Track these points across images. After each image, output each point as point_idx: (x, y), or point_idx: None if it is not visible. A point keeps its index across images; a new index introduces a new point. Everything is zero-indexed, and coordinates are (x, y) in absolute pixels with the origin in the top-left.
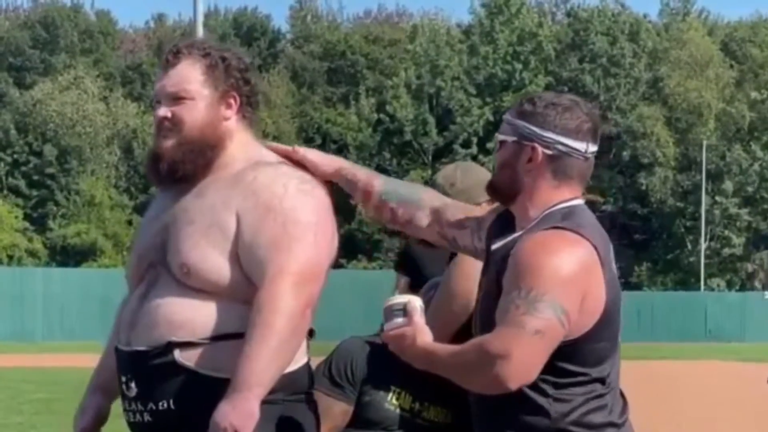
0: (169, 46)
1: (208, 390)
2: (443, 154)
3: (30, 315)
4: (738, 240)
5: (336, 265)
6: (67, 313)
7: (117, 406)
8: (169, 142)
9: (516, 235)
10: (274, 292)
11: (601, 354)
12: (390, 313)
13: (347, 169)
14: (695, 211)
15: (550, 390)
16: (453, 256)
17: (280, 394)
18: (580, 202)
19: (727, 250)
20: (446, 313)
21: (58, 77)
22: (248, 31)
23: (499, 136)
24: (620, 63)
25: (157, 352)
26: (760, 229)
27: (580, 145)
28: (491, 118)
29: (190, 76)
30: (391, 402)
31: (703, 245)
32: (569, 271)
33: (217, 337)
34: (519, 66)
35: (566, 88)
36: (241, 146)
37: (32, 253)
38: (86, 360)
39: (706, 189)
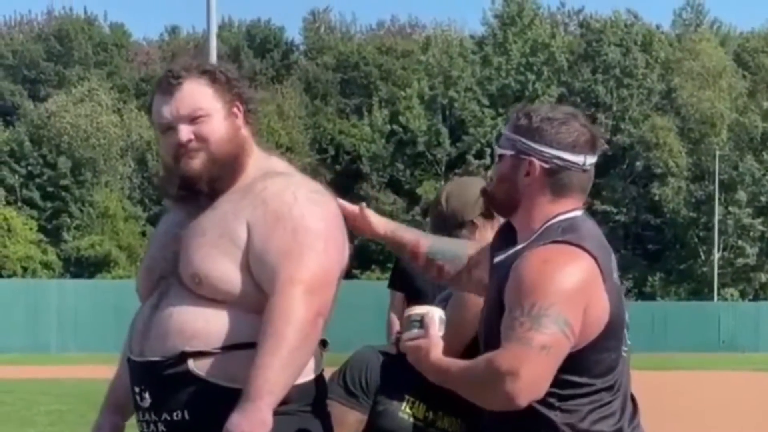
0: (165, 72)
1: (222, 400)
2: (456, 164)
3: (44, 327)
4: (751, 250)
5: (349, 275)
6: (81, 325)
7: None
8: (198, 162)
9: (518, 248)
10: (285, 300)
11: (606, 364)
12: (408, 323)
13: (396, 233)
14: (708, 221)
15: (556, 402)
16: None
17: (294, 405)
18: (579, 213)
19: (740, 260)
20: (459, 323)
21: (72, 89)
22: (262, 42)
23: (498, 150)
24: (633, 73)
25: (170, 362)
26: None
27: (577, 159)
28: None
29: (199, 93)
30: (404, 411)
31: (717, 255)
32: (571, 284)
33: (230, 347)
34: (532, 77)
35: (579, 99)
36: (252, 156)
37: (46, 265)
38: (100, 371)
39: (719, 199)
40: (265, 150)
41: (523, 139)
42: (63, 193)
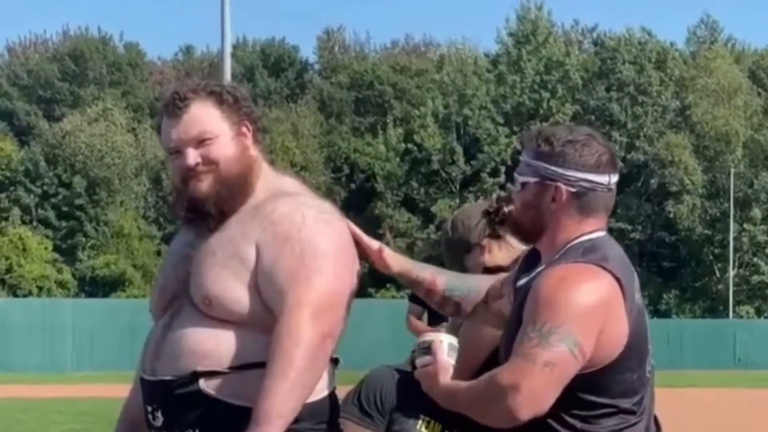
0: (170, 94)
1: (234, 419)
2: (471, 183)
3: (60, 346)
4: (766, 267)
5: (364, 294)
6: (96, 344)
7: None
8: (206, 184)
9: (540, 269)
10: (292, 323)
11: (628, 385)
12: (419, 351)
13: (412, 271)
14: (723, 239)
15: (578, 424)
16: None
17: (306, 423)
18: (602, 233)
19: (755, 278)
20: (474, 342)
21: (87, 109)
22: (276, 61)
23: (520, 178)
24: (647, 91)
25: (182, 382)
26: None
27: (603, 179)
28: (519, 147)
29: (206, 116)
30: (420, 430)
31: (732, 272)
32: (587, 304)
33: (241, 366)
34: (546, 95)
35: (593, 117)
36: (262, 176)
37: (62, 284)
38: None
39: (734, 216)
40: (276, 169)
41: (548, 165)
42: (78, 213)
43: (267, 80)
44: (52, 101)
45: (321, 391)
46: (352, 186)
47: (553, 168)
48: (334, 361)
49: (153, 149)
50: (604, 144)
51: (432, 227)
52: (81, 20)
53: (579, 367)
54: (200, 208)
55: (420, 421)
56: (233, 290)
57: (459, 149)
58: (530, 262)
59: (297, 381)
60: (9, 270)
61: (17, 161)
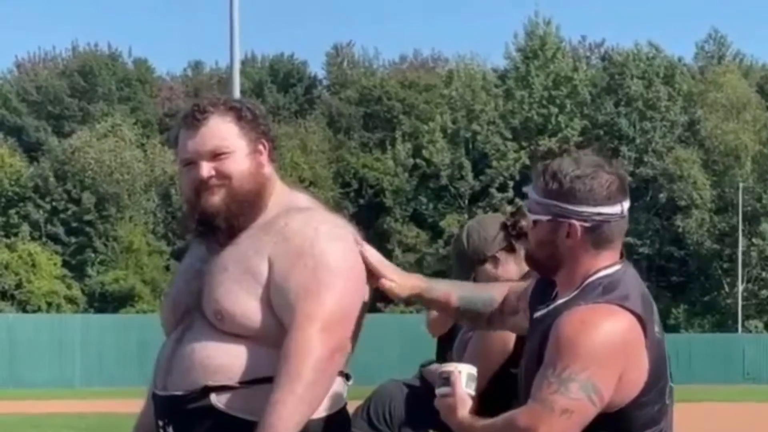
0: (190, 107)
1: None
2: (479, 198)
3: (69, 361)
4: None
5: (373, 309)
6: (105, 359)
7: None
8: (218, 198)
9: (558, 303)
10: (301, 338)
11: (650, 417)
12: (439, 380)
13: (424, 290)
14: (732, 253)
15: None
16: None
17: None
18: (619, 267)
19: (764, 292)
20: (483, 358)
21: (96, 125)
22: (285, 77)
23: (532, 216)
24: (656, 106)
25: (193, 396)
26: None
27: (615, 209)
28: (527, 162)
29: (224, 130)
30: None
31: (740, 287)
32: (608, 348)
33: (252, 381)
34: (555, 110)
35: (602, 132)
36: (275, 192)
37: (71, 300)
38: (125, 406)
39: (743, 231)
40: (289, 185)
41: (558, 203)
42: (87, 228)
43: (276, 96)
44: (62, 117)
45: (333, 406)
46: (361, 201)
47: (563, 205)
48: (346, 377)
49: (162, 165)
50: (612, 172)
51: (440, 242)
52: (90, 36)
53: (597, 412)
54: (210, 221)
55: None
56: (245, 305)
57: (467, 164)
58: (546, 290)
59: (304, 395)
60: (18, 286)
61: (26, 177)
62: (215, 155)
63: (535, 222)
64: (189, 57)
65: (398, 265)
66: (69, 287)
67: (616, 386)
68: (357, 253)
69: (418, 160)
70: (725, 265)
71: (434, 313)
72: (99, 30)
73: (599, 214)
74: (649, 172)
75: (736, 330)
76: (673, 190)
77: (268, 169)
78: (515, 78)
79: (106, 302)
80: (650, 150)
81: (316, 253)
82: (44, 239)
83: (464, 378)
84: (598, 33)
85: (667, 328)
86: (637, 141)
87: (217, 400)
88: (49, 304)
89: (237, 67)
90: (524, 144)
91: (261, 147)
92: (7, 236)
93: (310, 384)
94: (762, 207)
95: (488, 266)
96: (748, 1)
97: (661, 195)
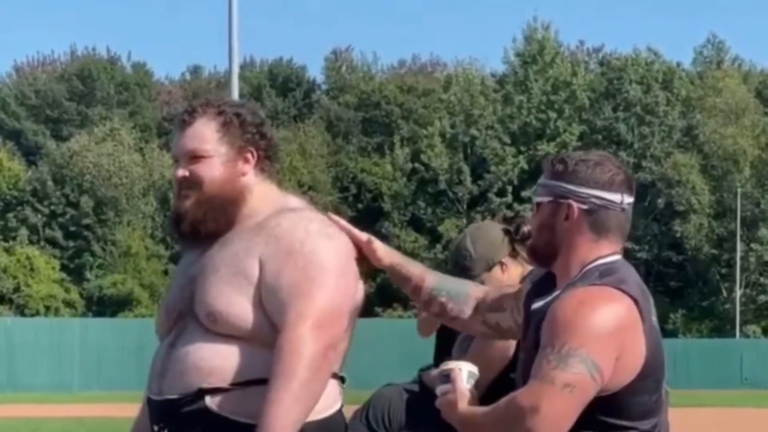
0: (186, 106)
1: None
2: (478, 202)
3: (67, 365)
4: None
5: (371, 314)
6: (104, 363)
7: None
8: (188, 202)
9: (557, 293)
10: (294, 336)
11: (646, 407)
12: (439, 378)
13: (402, 265)
14: (730, 258)
15: None
16: None
17: None
18: (618, 257)
19: (762, 297)
20: (484, 361)
21: (95, 129)
22: (284, 81)
23: (536, 199)
24: (654, 111)
25: (188, 400)
26: None
27: (615, 197)
28: (526, 167)
29: (205, 134)
30: None
31: (739, 292)
32: (605, 327)
33: (246, 383)
34: (553, 115)
35: (600, 137)
36: (263, 197)
37: (69, 304)
38: (123, 410)
39: (741, 236)
40: (281, 189)
41: (560, 183)
42: (85, 232)
43: (274, 100)
44: (60, 121)
45: (329, 408)
46: (359, 206)
47: (565, 185)
48: (341, 379)
49: (161, 169)
50: (619, 165)
51: (439, 247)
52: (89, 40)
53: (598, 390)
54: (177, 223)
55: None
56: (237, 306)
57: (466, 169)
58: (544, 285)
59: (300, 393)
60: (17, 289)
61: (25, 181)
62: (193, 157)
63: (538, 205)
64: (188, 61)
65: None
66: (67, 291)
67: (614, 366)
68: (348, 252)
69: (416, 165)
70: (723, 270)
71: (424, 315)
72: (98, 34)
73: (597, 197)
74: (648, 177)
75: (734, 335)
76: (671, 195)
77: (250, 178)
78: (514, 83)
79: (105, 306)
80: (649, 155)
81: (306, 251)
82: (42, 243)
83: (465, 375)
84: (597, 38)
85: (665, 333)
86: (636, 146)
87: (212, 402)
88: (48, 308)
89: (236, 71)
90: (523, 149)
91: (248, 155)
92: (5, 240)
93: (305, 382)
94: (760, 212)
95: (496, 272)
96: (747, 7)
97: (660, 200)
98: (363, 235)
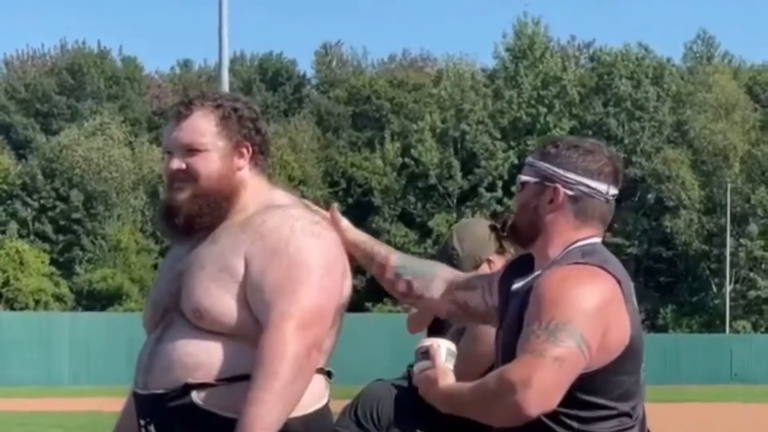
0: (181, 97)
1: (225, 431)
2: (468, 197)
3: (57, 359)
4: (763, 282)
5: (361, 309)
6: (93, 358)
7: None
8: (183, 195)
9: (537, 273)
10: (277, 336)
11: (626, 387)
12: (417, 355)
13: (367, 243)
14: (720, 254)
15: (575, 425)
16: None
17: None
18: (599, 240)
19: (752, 293)
20: (473, 357)
21: (84, 123)
22: (274, 76)
23: (522, 177)
24: (644, 106)
25: (174, 395)
26: None
27: (601, 187)
28: (516, 162)
29: (203, 127)
30: None
31: (728, 288)
32: (592, 303)
33: (233, 378)
34: (543, 110)
35: (591, 132)
36: (254, 193)
37: (59, 298)
38: (113, 404)
39: (731, 231)
40: (270, 183)
41: (549, 165)
42: (75, 226)
43: (265, 94)
44: (50, 115)
45: (314, 404)
46: (350, 200)
47: (554, 168)
48: (328, 374)
49: (150, 163)
50: (610, 156)
51: (429, 242)
52: (79, 34)
53: (586, 364)
54: (171, 217)
55: None
56: (223, 303)
57: (456, 164)
58: (522, 266)
59: (281, 393)
60: (6, 283)
61: (14, 175)
62: (189, 150)
63: (523, 184)
64: (178, 55)
65: None
66: (57, 285)
67: (599, 343)
68: (334, 250)
69: (406, 160)
70: (713, 266)
71: (413, 311)
72: (88, 28)
73: (584, 185)
74: (638, 173)
75: (724, 330)
76: (661, 191)
77: (245, 173)
78: (504, 78)
79: (94, 300)
80: (639, 150)
81: (291, 250)
82: (32, 237)
83: (443, 352)
84: (587, 33)
85: (655, 328)
86: (626, 141)
87: (198, 397)
88: (37, 302)
89: (226, 65)
90: (513, 144)
91: (244, 150)
92: None
93: (288, 382)
94: (750, 207)
95: (484, 269)
96: (737, 2)
97: (650, 195)
98: (327, 213)
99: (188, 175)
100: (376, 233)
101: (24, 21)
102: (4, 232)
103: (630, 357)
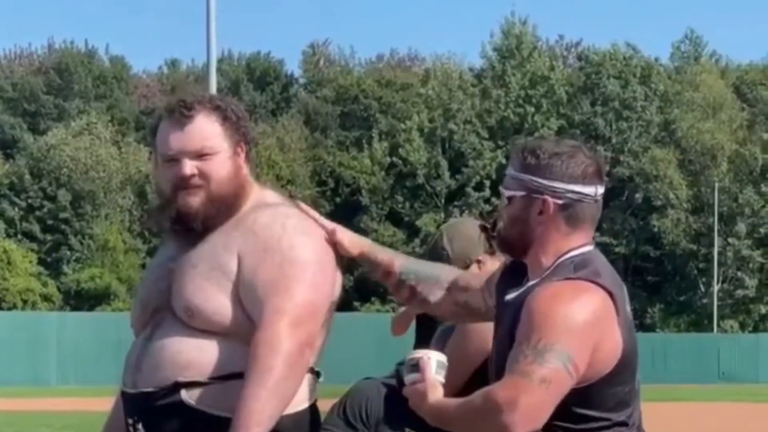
0: (175, 100)
1: (216, 429)
2: (456, 197)
3: (44, 359)
4: (751, 282)
5: (349, 308)
6: (81, 357)
7: None
8: (197, 199)
9: (530, 284)
10: (271, 332)
11: (620, 398)
12: (407, 368)
13: (370, 252)
14: (708, 253)
15: None
16: None
17: None
18: (591, 247)
19: (739, 292)
20: (462, 356)
21: (71, 123)
22: (261, 75)
23: (507, 192)
24: (632, 106)
25: (163, 393)
26: None
27: (589, 190)
28: (504, 161)
29: (210, 130)
30: None
31: (716, 287)
32: (581, 320)
33: (223, 377)
34: (531, 109)
35: (578, 131)
36: (251, 191)
37: (46, 298)
38: (101, 404)
39: (719, 231)
40: (259, 183)
41: (534, 178)
42: (63, 226)
43: (252, 94)
44: (37, 114)
45: (302, 402)
46: (338, 200)
47: (539, 180)
48: (316, 374)
49: (137, 163)
50: (591, 156)
51: (417, 241)
52: (66, 33)
53: (573, 383)
54: (187, 222)
55: None
56: (215, 300)
57: (444, 163)
58: (516, 275)
59: (275, 389)
60: None
61: (2, 174)
62: (200, 155)
63: (509, 199)
64: (165, 55)
65: None
66: (45, 285)
67: (590, 359)
68: (325, 248)
69: (394, 159)
70: (701, 265)
71: (400, 311)
72: (75, 27)
73: (573, 191)
74: (625, 172)
75: (712, 330)
76: (649, 190)
77: (246, 171)
78: (492, 77)
79: (82, 300)
80: (626, 150)
81: (283, 247)
82: (20, 237)
83: (434, 364)
84: (575, 33)
85: (643, 328)
86: (614, 141)
87: (188, 396)
88: (25, 302)
89: (213, 65)
90: (501, 143)
91: (239, 149)
92: None
93: (281, 378)
94: (738, 207)
95: (474, 270)
96: (724, 2)
97: (637, 195)
98: (329, 224)
99: (201, 180)
100: (363, 232)
101: (11, 20)
102: None
103: (623, 369)
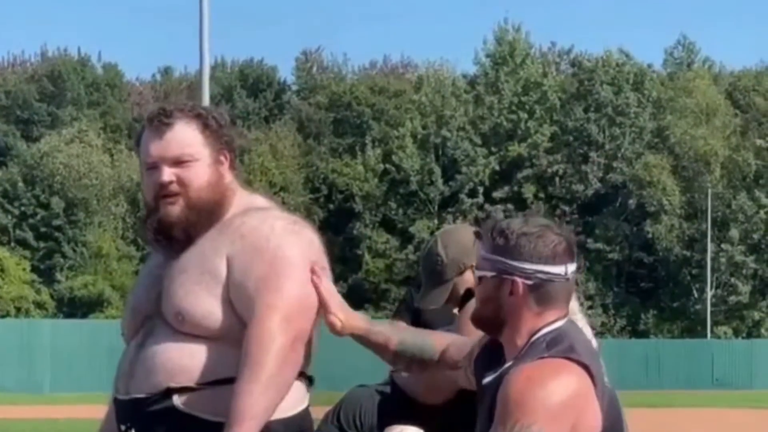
0: (156, 108)
1: None
2: (449, 203)
3: (38, 367)
4: (744, 288)
5: None
6: (75, 365)
7: None
8: (177, 208)
9: (505, 366)
10: (262, 328)
11: None
12: None
13: (366, 333)
14: (701, 259)
15: None
16: (462, 305)
17: None
18: (563, 321)
19: (733, 298)
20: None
21: (64, 130)
22: (254, 82)
23: (478, 272)
24: (625, 112)
25: (155, 399)
26: (766, 276)
27: (559, 269)
28: (497, 168)
29: (189, 137)
30: None
31: (710, 293)
32: (557, 401)
33: (215, 382)
34: (524, 116)
35: (571, 138)
36: (235, 197)
37: (40, 305)
38: (94, 411)
39: (712, 237)
40: (247, 189)
41: (503, 259)
42: (56, 233)
43: (245, 101)
44: (30, 122)
45: (294, 407)
46: (331, 207)
47: (508, 261)
48: (309, 379)
49: (129, 171)
50: (560, 233)
51: (410, 248)
52: (59, 41)
53: None
54: (168, 231)
55: None
56: (205, 305)
57: (437, 170)
58: (493, 355)
59: (268, 383)
60: None
61: None
62: (178, 162)
63: (480, 278)
64: (158, 62)
65: (367, 271)
66: (38, 292)
67: None
68: (315, 248)
69: (387, 166)
70: (694, 271)
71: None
72: (68, 35)
73: (542, 272)
74: (619, 178)
75: (705, 336)
76: (642, 196)
77: (229, 179)
78: (485, 84)
79: (75, 307)
80: (620, 156)
81: (272, 246)
82: (13, 244)
83: None
84: (568, 39)
85: (637, 334)
86: (607, 147)
87: (180, 401)
88: (18, 309)
89: (206, 72)
90: (494, 150)
91: (222, 158)
92: None
93: (274, 373)
94: (731, 213)
95: (468, 275)
96: (717, 8)
97: (631, 201)
98: (333, 304)
99: (180, 187)
100: (357, 239)
101: (4, 28)
102: None
103: None
